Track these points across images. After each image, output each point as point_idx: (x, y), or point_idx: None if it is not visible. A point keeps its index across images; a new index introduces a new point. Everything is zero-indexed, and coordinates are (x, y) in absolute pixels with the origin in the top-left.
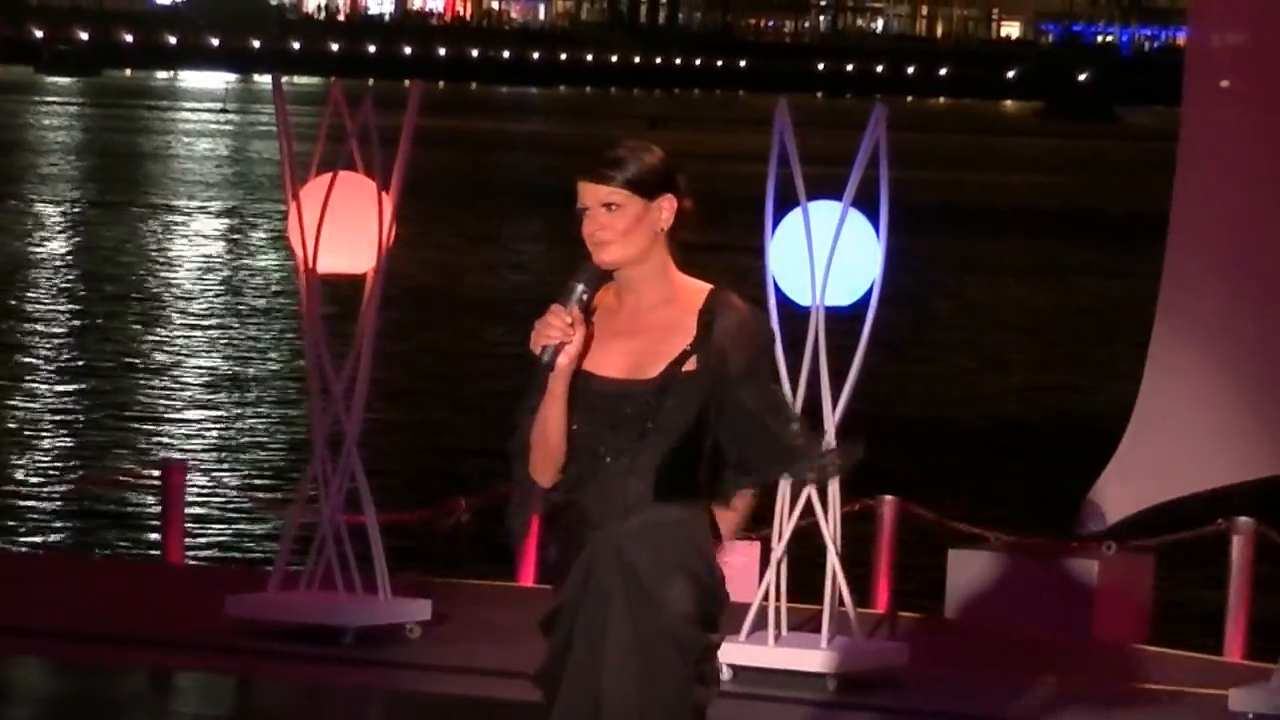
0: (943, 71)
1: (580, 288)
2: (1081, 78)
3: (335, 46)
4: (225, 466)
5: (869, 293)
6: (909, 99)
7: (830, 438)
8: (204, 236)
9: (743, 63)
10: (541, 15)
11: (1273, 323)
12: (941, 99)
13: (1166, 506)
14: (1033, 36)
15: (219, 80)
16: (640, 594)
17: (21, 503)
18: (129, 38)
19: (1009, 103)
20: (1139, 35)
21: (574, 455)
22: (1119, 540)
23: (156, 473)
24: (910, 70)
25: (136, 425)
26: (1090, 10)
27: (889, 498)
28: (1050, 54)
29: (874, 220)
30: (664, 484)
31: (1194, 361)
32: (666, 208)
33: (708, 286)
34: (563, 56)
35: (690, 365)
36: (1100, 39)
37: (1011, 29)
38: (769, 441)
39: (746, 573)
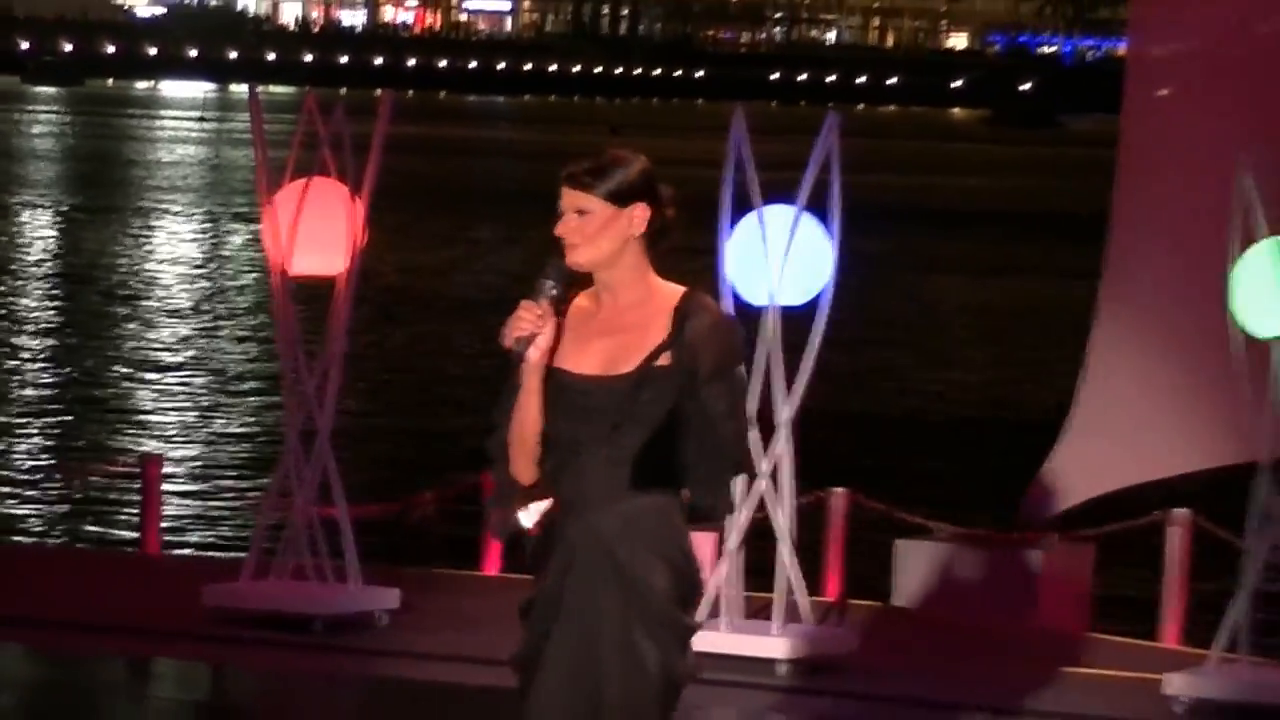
0: (893, 80)
1: (549, 284)
2: (1026, 86)
3: (309, 57)
4: (202, 460)
5: (822, 292)
6: (860, 107)
7: (783, 433)
8: (183, 239)
9: (701, 72)
10: (508, 26)
11: (1210, 320)
12: (892, 107)
13: (1107, 498)
14: (979, 47)
15: (198, 89)
16: (625, 581)
17: (4, 495)
18: (111, 49)
19: (956, 110)
20: (1081, 46)
21: (551, 450)
22: (1061, 531)
23: (135, 467)
24: (861, 79)
25: (117, 420)
26: (1035, 21)
27: (839, 490)
28: (996, 64)
29: (827, 223)
30: (641, 474)
31: (1134, 358)
32: (638, 216)
33: (683, 289)
34: (528, 66)
35: (664, 360)
36: (1044, 49)
37: (959, 40)
38: (714, 446)
39: (702, 562)
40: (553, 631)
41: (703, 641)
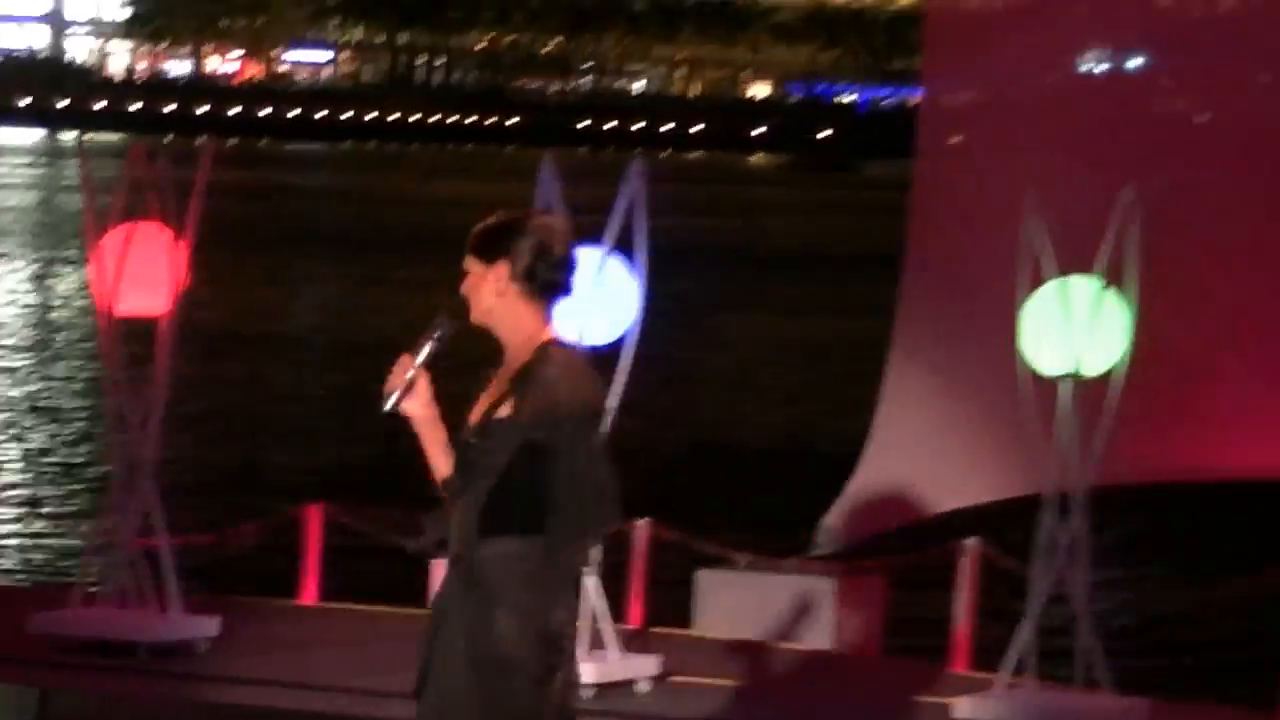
0: (697, 128)
1: (430, 342)
2: (824, 133)
3: (136, 106)
4: (33, 493)
5: (628, 331)
6: (665, 153)
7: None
8: (15, 281)
9: (512, 120)
10: (326, 76)
11: (1000, 358)
12: (696, 153)
13: (902, 527)
14: (780, 95)
15: (29, 137)
16: (465, 629)
17: None
18: None
19: (758, 156)
20: (877, 94)
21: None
22: (855, 559)
23: None
24: (667, 127)
25: None
26: (834, 71)
27: (642, 521)
28: (796, 112)
29: (633, 264)
30: (489, 521)
31: (927, 393)
32: (501, 274)
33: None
34: (347, 114)
35: (504, 411)
36: (842, 98)
37: (760, 89)
38: (567, 492)
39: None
40: (428, 668)
41: None
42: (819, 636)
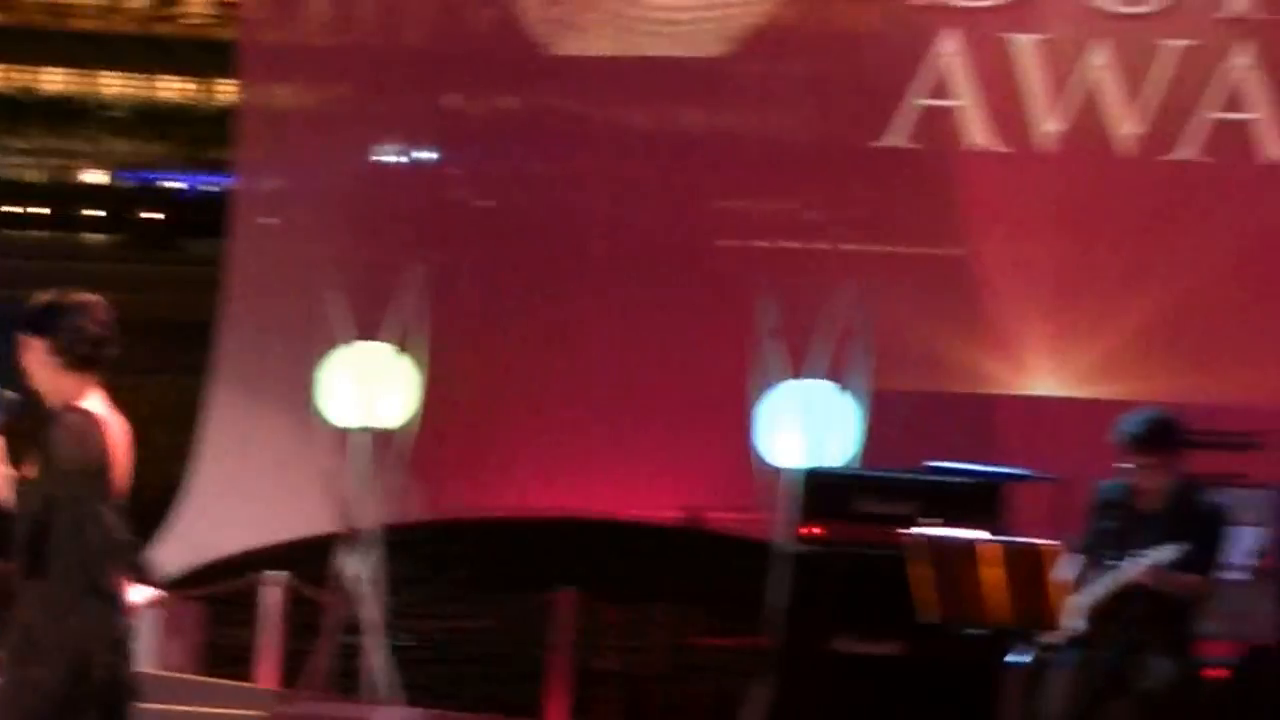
0: (38, 210)
1: None
2: (153, 215)
3: None
4: None
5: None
6: (11, 232)
7: None
8: None
9: None
10: None
11: (302, 412)
12: (39, 233)
13: (218, 562)
14: (114, 182)
15: None
16: (11, 664)
17: None
18: None
19: (94, 236)
20: (199, 181)
21: None
22: (176, 589)
23: None
24: (11, 209)
25: None
26: (162, 160)
27: None
28: (128, 196)
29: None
30: (27, 566)
31: (242, 442)
32: (43, 347)
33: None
34: None
35: (28, 470)
36: (169, 184)
37: (97, 176)
38: (67, 543)
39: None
40: None
41: None
42: (144, 660)
